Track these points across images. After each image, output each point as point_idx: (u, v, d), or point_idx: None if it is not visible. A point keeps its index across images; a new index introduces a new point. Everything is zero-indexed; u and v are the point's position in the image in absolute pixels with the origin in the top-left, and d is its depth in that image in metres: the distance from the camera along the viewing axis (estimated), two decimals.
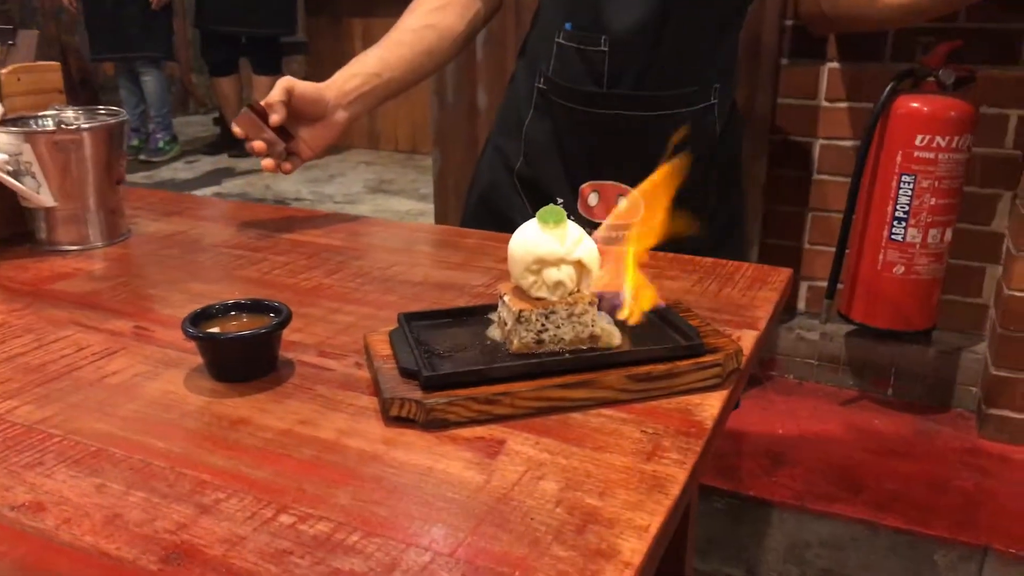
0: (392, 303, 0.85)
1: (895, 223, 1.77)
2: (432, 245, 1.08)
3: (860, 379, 2.08)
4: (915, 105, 1.72)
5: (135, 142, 3.95)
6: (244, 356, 0.68)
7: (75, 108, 1.11)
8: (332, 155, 3.91)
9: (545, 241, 0.67)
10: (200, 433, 0.61)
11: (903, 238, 1.78)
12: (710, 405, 0.65)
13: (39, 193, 1.00)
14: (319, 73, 4.25)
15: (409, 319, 0.72)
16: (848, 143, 1.96)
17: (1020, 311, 1.77)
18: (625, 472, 0.55)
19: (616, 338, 0.69)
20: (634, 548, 0.48)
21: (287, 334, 0.73)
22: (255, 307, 0.72)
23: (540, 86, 1.13)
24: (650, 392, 0.66)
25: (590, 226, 1.12)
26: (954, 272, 1.94)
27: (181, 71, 4.86)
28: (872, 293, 1.86)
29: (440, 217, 2.29)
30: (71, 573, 0.48)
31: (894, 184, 1.75)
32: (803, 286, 2.15)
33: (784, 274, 0.95)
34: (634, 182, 1.08)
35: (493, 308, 0.73)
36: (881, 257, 1.81)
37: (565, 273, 0.67)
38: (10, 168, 0.98)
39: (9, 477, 0.55)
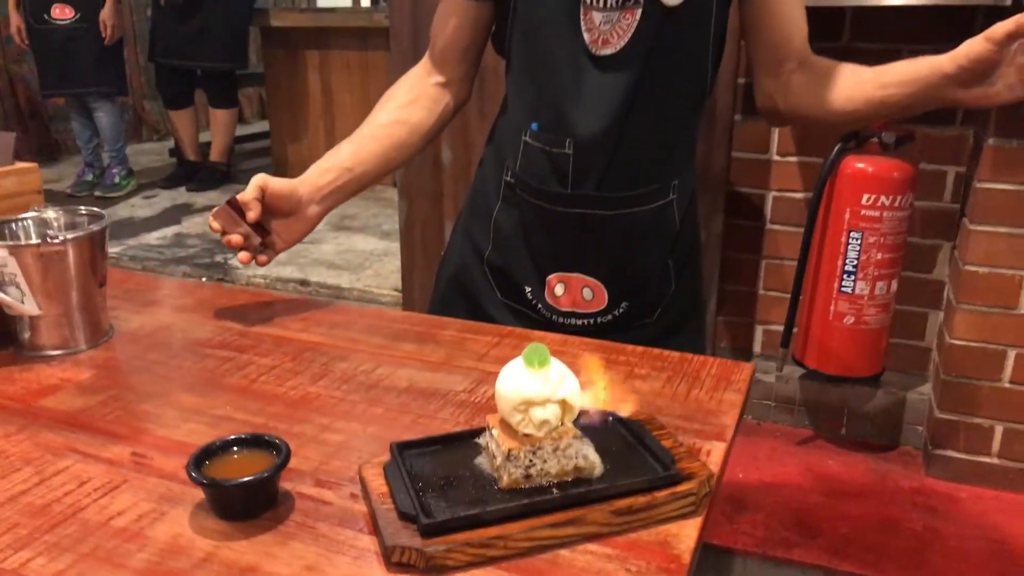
0: (380, 417, 0.89)
1: (844, 276, 1.86)
2: (413, 340, 1.12)
3: (814, 419, 2.17)
4: (860, 166, 1.81)
5: (89, 177, 3.89)
6: (247, 498, 0.72)
7: (55, 208, 1.12)
8: None
9: (531, 382, 0.72)
10: None
11: (852, 290, 1.87)
12: (687, 535, 0.70)
13: (23, 303, 1.02)
14: (275, 101, 4.22)
15: (401, 449, 0.76)
16: (799, 195, 2.05)
17: (961, 359, 1.88)
18: None
19: (598, 468, 0.74)
20: None
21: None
22: (255, 442, 0.75)
23: (508, 179, 1.17)
24: (631, 524, 0.71)
25: (558, 315, 1.18)
26: (899, 317, 2.05)
27: (133, 98, 4.80)
28: (824, 341, 1.95)
29: (407, 264, 2.33)
30: None
31: (843, 240, 1.84)
32: (759, 330, 2.24)
33: (747, 370, 1.02)
34: (599, 274, 1.15)
35: (479, 433, 0.78)
36: (832, 308, 1.90)
37: (550, 412, 0.72)
38: None
39: None
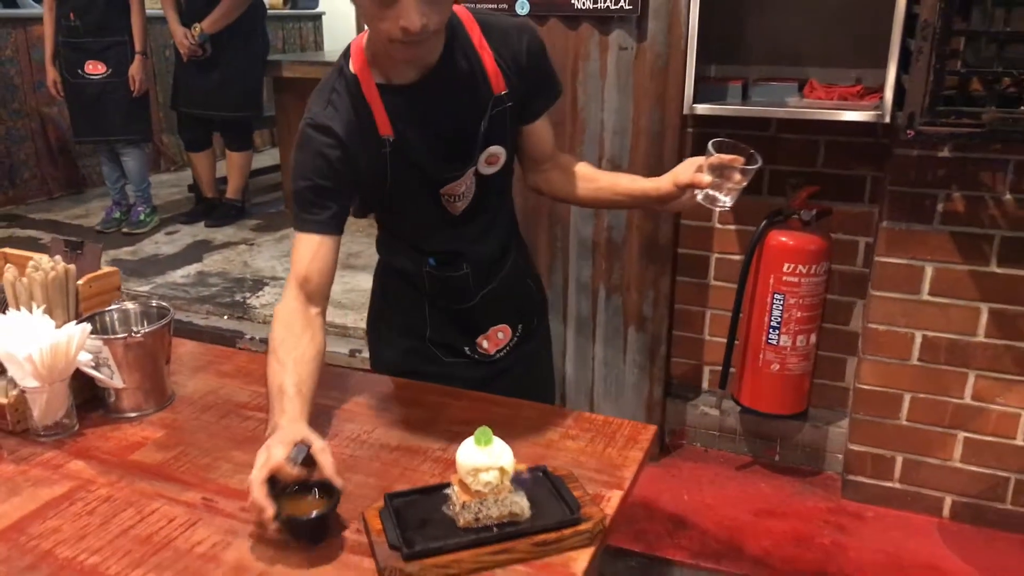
0: (378, 471, 1.24)
1: (771, 330, 2.21)
2: (403, 404, 1.46)
3: (752, 447, 2.52)
4: (783, 239, 2.16)
5: (117, 215, 4.26)
6: (317, 526, 1.07)
7: (131, 302, 1.47)
8: None
9: (478, 456, 1.07)
10: None
11: (777, 342, 2.22)
12: (582, 559, 1.04)
13: (112, 379, 1.36)
14: (286, 142, 4.54)
15: (391, 498, 1.11)
16: (736, 257, 2.40)
17: (867, 400, 2.23)
18: None
19: (526, 511, 1.09)
20: None
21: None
22: (313, 486, 1.10)
23: (427, 292, 1.51)
24: (546, 551, 1.05)
25: (486, 356, 1.56)
26: (823, 361, 2.40)
27: (153, 134, 5.16)
28: (755, 384, 2.30)
29: None
30: None
31: (768, 300, 2.19)
32: (706, 370, 2.59)
33: (650, 431, 1.36)
34: (504, 320, 1.56)
35: (447, 487, 1.12)
36: (761, 356, 2.25)
37: (492, 476, 1.07)
38: (93, 364, 1.35)
39: None
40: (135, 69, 3.94)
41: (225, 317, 3.07)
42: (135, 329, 1.41)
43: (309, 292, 1.32)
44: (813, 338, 2.24)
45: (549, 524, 1.07)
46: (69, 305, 1.42)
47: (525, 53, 1.38)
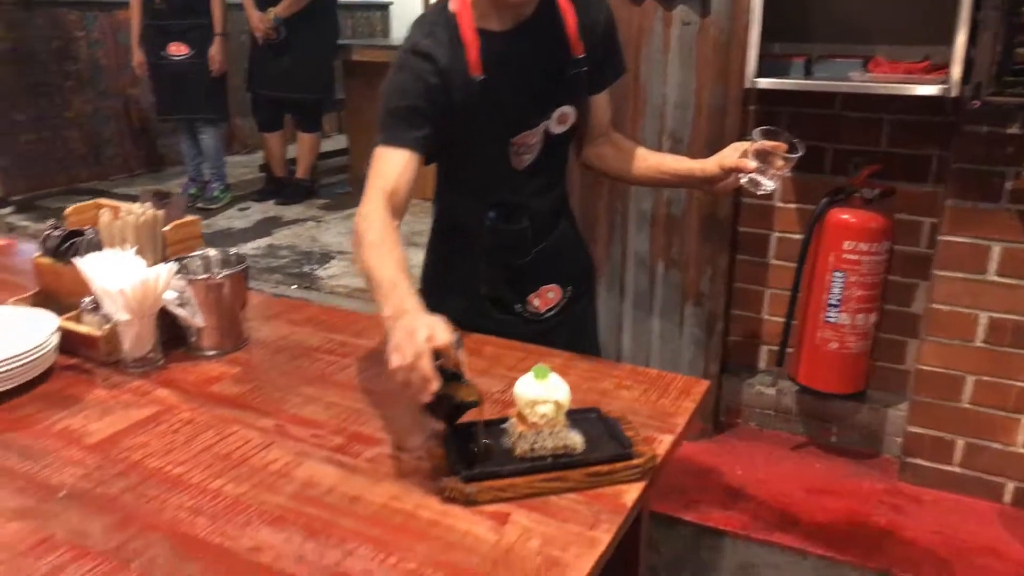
0: None
1: (829, 308, 2.21)
2: (467, 353, 1.52)
3: (808, 428, 2.52)
4: (844, 217, 2.15)
5: (193, 190, 4.46)
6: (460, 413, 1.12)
7: (213, 250, 1.57)
8: None
9: (536, 388, 1.12)
10: (335, 506, 1.05)
11: (836, 321, 2.21)
12: (631, 493, 1.09)
13: (194, 317, 1.46)
14: (354, 125, 4.68)
15: (453, 427, 1.17)
16: (797, 236, 2.40)
17: (929, 382, 2.21)
18: (578, 536, 1.00)
19: (580, 446, 1.14)
20: (582, 567, 0.92)
21: (376, 432, 1.19)
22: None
23: (485, 245, 1.55)
24: (597, 483, 1.10)
25: (537, 315, 1.61)
26: (884, 343, 2.38)
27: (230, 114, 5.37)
28: (812, 363, 2.30)
29: None
30: None
31: (828, 278, 2.19)
32: (763, 349, 2.59)
33: (702, 385, 1.39)
34: (554, 279, 1.61)
35: (505, 420, 1.18)
36: (819, 335, 2.25)
37: (548, 408, 1.12)
38: (178, 302, 1.44)
39: (236, 530, 1.00)
40: (215, 50, 4.12)
41: (293, 287, 3.20)
42: (216, 271, 1.50)
43: (395, 205, 1.32)
44: (873, 317, 2.23)
45: (602, 457, 1.12)
46: (157, 248, 1.52)
47: (603, 23, 1.48)
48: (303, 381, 1.38)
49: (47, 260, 1.58)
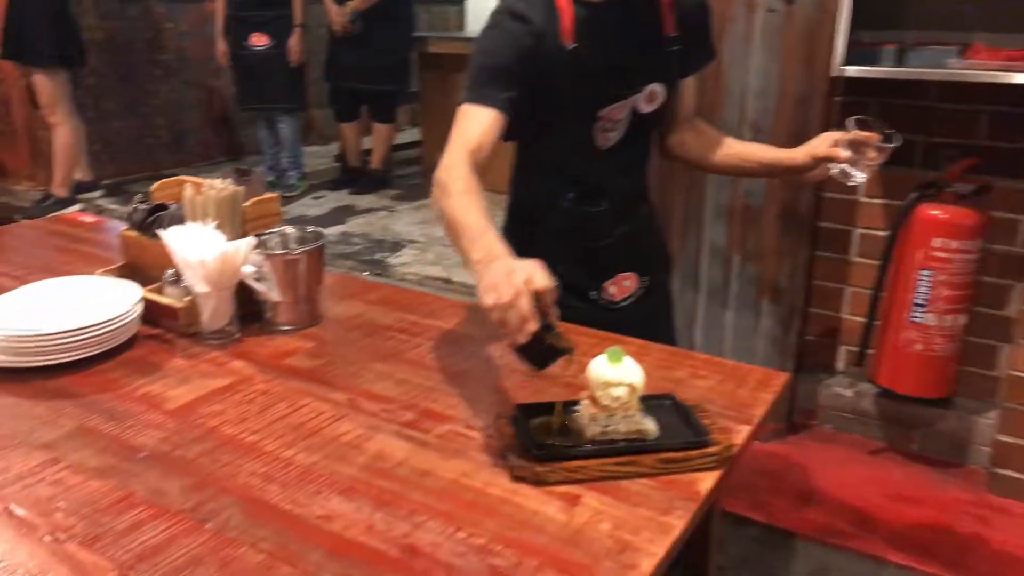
0: (510, 388, 1.29)
1: (915, 308, 2.11)
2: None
3: (887, 433, 2.41)
4: (934, 213, 2.06)
5: (271, 178, 4.57)
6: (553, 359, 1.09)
7: (289, 227, 1.59)
8: None
9: (610, 371, 1.09)
10: (405, 479, 1.05)
11: (922, 321, 2.12)
12: (707, 481, 1.05)
13: (271, 292, 1.47)
14: (428, 118, 4.73)
15: (523, 408, 1.15)
16: (880, 233, 2.31)
17: (1022, 389, 2.09)
18: (649, 520, 0.97)
19: (653, 432, 1.11)
20: (654, 551, 0.90)
21: (446, 410, 1.18)
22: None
23: (557, 229, 1.52)
24: (671, 469, 1.07)
25: (611, 304, 1.58)
26: (974, 348, 2.27)
27: (307, 104, 5.49)
28: (895, 364, 2.20)
29: None
30: (355, 556, 0.92)
31: (914, 276, 2.10)
32: (841, 350, 2.50)
33: (781, 378, 1.34)
34: (632, 268, 1.58)
35: (577, 403, 1.15)
36: (903, 335, 2.16)
37: (622, 391, 1.09)
38: (256, 276, 1.46)
39: (307, 498, 1.01)
40: (294, 41, 4.22)
41: (366, 273, 3.24)
42: (293, 247, 1.51)
43: (478, 161, 1.29)
44: (962, 319, 2.13)
45: (677, 443, 1.09)
46: (236, 223, 1.55)
47: (697, 6, 1.47)
48: (376, 358, 1.39)
49: (133, 233, 1.62)
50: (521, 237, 1.64)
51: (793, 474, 2.28)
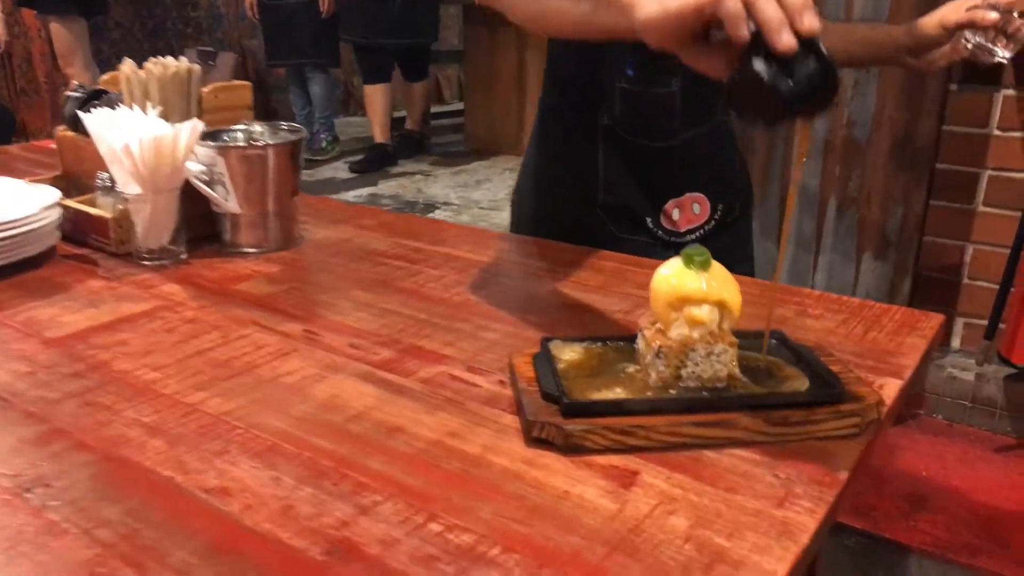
0: (535, 323, 0.90)
1: None
2: (573, 267, 1.12)
3: (1018, 426, 1.95)
4: None
5: None
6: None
7: (261, 123, 1.22)
8: (481, 160, 4.07)
9: (688, 280, 0.69)
10: (361, 438, 0.67)
11: None
12: (846, 455, 0.65)
13: (227, 200, 1.11)
14: (472, 80, 4.40)
15: (550, 342, 0.76)
16: (1020, 175, 1.85)
17: None
18: (755, 515, 0.57)
19: (753, 380, 0.70)
20: (768, 569, 0.50)
21: (441, 348, 0.80)
22: None
23: (606, 124, 1.17)
24: (785, 436, 0.67)
25: (675, 235, 1.20)
26: None
27: (344, 75, 5.16)
28: None
29: None
30: (252, 557, 0.55)
31: None
32: (959, 322, 2.04)
33: (935, 320, 0.93)
34: (702, 187, 1.20)
35: (632, 338, 0.76)
36: None
37: (706, 312, 0.69)
38: (205, 177, 1.10)
39: (202, 462, 0.64)
40: None
41: None
42: (255, 138, 1.15)
43: None
44: None
45: (796, 396, 0.68)
46: (191, 112, 1.19)
47: None
48: (357, 285, 1.02)
49: (69, 134, 1.28)
50: (556, 140, 1.24)
51: (900, 474, 1.84)
